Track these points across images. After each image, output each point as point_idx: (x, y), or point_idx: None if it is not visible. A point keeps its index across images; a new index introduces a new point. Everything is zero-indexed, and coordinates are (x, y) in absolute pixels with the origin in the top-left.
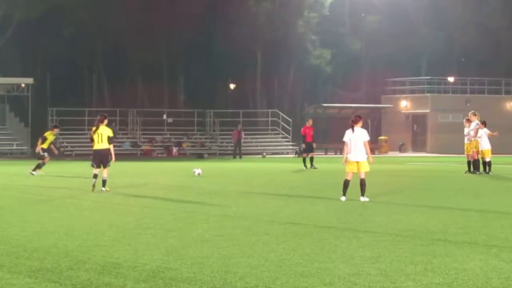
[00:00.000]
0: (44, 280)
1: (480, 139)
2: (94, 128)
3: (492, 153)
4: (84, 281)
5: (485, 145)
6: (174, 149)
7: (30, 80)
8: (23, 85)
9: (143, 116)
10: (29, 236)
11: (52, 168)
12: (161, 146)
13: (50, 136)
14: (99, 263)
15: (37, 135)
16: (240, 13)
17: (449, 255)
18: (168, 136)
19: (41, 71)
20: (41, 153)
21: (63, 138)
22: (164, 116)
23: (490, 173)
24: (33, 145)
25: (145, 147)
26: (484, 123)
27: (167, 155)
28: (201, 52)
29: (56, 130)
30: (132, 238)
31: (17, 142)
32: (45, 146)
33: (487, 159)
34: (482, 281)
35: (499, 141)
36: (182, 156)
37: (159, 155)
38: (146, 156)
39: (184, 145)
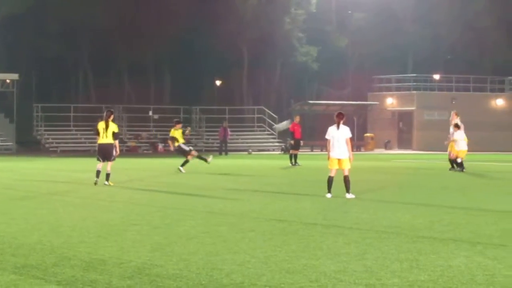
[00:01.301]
0: (29, 277)
1: (456, 142)
2: (102, 123)
3: (478, 151)
4: (69, 277)
5: (461, 146)
6: (160, 146)
7: (15, 76)
8: (8, 80)
9: (129, 112)
10: (14, 233)
11: (38, 164)
12: (146, 142)
13: (176, 133)
14: (84, 259)
15: (22, 131)
16: (227, 10)
17: (435, 252)
18: (154, 132)
19: (27, 67)
20: (185, 147)
21: (48, 134)
22: (150, 113)
23: (463, 170)
24: (18, 141)
25: (131, 143)
26: (457, 127)
27: (153, 152)
28: (187, 49)
29: (178, 126)
30: (117, 235)
31: (2, 138)
32: (181, 141)
33: (459, 160)
34: (467, 278)
35: (484, 138)
36: (168, 152)
37: (145, 151)
38: (131, 152)
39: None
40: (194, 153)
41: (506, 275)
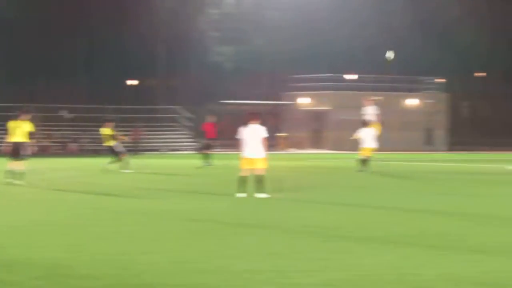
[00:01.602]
0: None
1: (359, 140)
2: (13, 121)
3: (393, 150)
4: None
5: (366, 143)
6: (72, 145)
7: None
8: None
9: (42, 112)
10: None
11: None
12: (59, 142)
13: (105, 131)
14: None
15: None
16: (142, 9)
17: (346, 251)
18: (66, 132)
19: None
20: (118, 149)
21: None
22: (63, 112)
23: (362, 171)
24: None
25: (42, 142)
26: (365, 124)
27: (65, 152)
28: (103, 48)
29: (108, 124)
30: (27, 235)
31: None
32: (111, 143)
33: (363, 157)
34: (377, 276)
35: (398, 138)
36: (83, 152)
37: (57, 151)
38: (43, 152)
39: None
40: (124, 156)
41: (415, 274)
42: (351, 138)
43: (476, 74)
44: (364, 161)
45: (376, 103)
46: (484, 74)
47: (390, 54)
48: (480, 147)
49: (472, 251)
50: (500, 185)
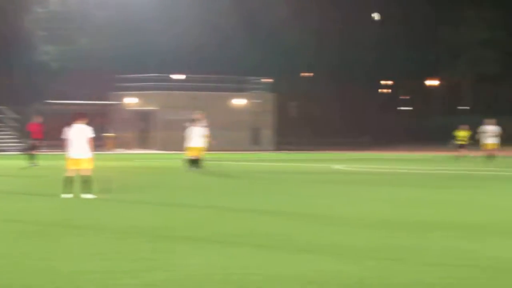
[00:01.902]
0: None
1: (189, 138)
2: None
3: (220, 150)
4: None
5: (193, 143)
6: None
7: None
8: None
9: None
10: None
11: None
12: None
13: None
14: None
15: None
16: None
17: (173, 251)
18: None
19: None
20: None
21: None
22: None
23: (190, 171)
24: None
25: None
26: (192, 122)
27: None
28: None
29: None
30: None
31: None
32: None
33: (192, 157)
34: (203, 276)
35: (225, 137)
36: None
37: None
38: None
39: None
40: None
41: (242, 274)
42: (184, 137)
43: (302, 74)
44: (192, 161)
45: (204, 116)
46: (311, 74)
47: (375, 15)
48: (307, 147)
49: (299, 251)
50: (326, 184)
